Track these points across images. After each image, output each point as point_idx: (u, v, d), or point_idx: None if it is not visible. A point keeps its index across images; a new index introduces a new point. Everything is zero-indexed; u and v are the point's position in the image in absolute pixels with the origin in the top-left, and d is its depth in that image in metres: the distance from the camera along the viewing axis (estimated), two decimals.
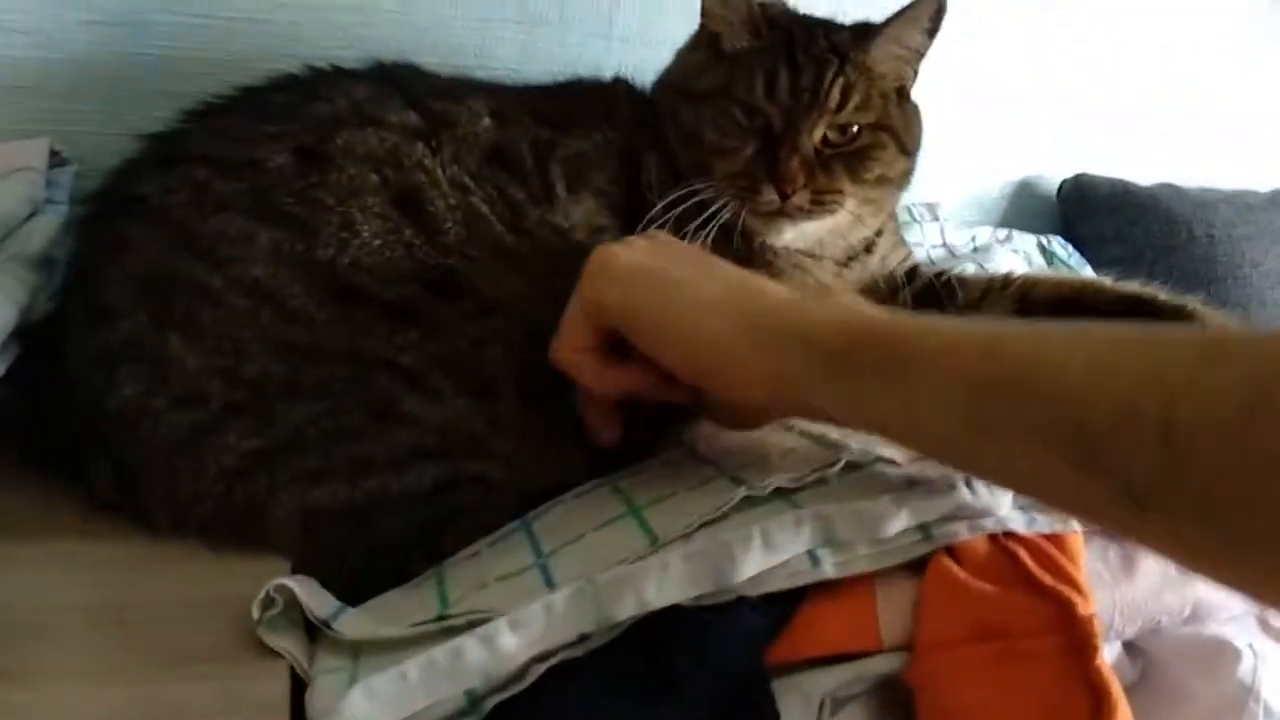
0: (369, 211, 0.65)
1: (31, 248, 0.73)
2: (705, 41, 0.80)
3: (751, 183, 0.74)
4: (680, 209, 0.72)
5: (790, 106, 0.74)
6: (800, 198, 0.73)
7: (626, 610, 0.48)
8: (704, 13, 0.80)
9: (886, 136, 0.77)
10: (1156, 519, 0.38)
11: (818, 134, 0.75)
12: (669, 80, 0.83)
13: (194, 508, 0.61)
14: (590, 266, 0.59)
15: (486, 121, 0.73)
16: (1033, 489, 0.47)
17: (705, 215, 0.72)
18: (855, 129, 0.76)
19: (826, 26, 0.79)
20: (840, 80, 0.74)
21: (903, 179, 0.82)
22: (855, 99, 0.75)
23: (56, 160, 0.86)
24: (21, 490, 0.64)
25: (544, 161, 0.73)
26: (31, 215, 0.78)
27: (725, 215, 0.73)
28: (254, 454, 0.60)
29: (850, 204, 0.77)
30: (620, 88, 0.84)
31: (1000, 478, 0.49)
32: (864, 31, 0.78)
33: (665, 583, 0.49)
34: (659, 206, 0.72)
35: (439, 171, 0.68)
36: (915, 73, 0.81)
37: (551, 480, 0.66)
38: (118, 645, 0.53)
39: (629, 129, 0.79)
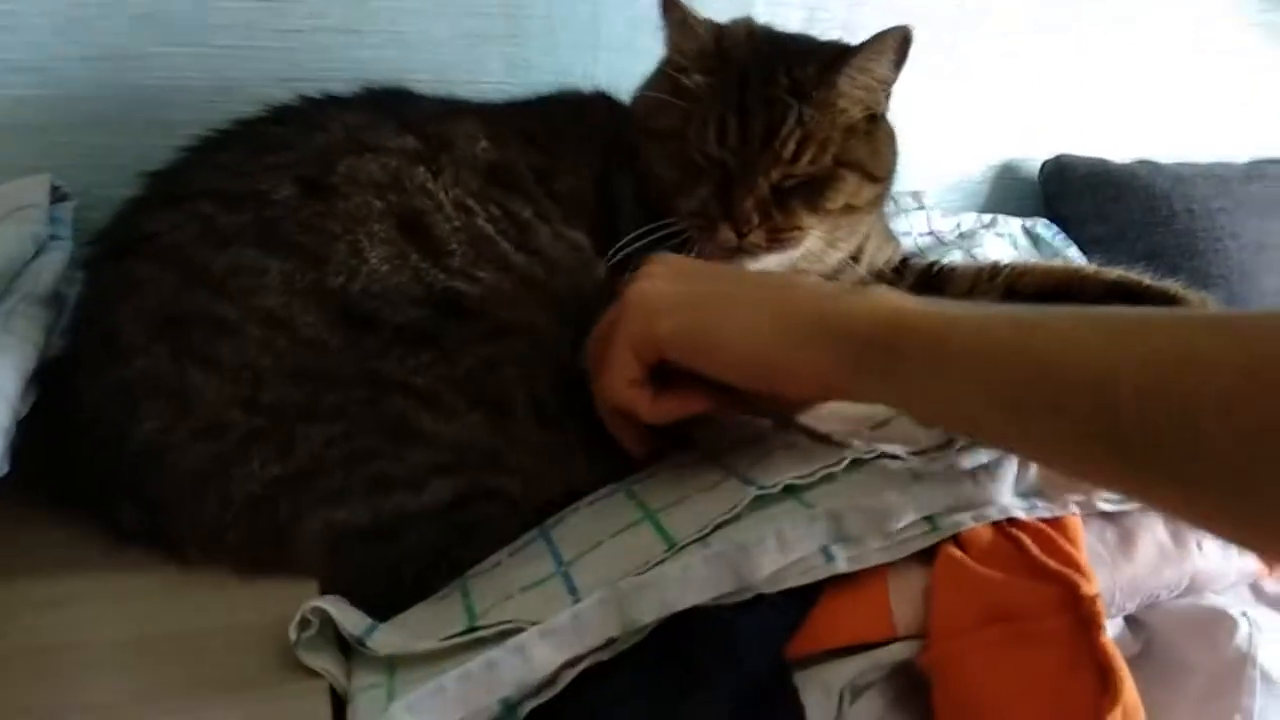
0: (375, 237, 0.66)
1: (41, 286, 0.74)
2: (668, 76, 0.79)
3: (709, 222, 0.75)
4: (649, 239, 0.74)
5: (742, 151, 0.74)
6: (756, 236, 0.74)
7: (651, 613, 0.50)
8: (666, 42, 0.80)
9: (848, 170, 0.77)
10: (1180, 492, 0.42)
11: (774, 175, 0.75)
12: (633, 111, 0.83)
13: (221, 536, 0.62)
14: (629, 306, 0.60)
15: (484, 143, 0.75)
16: (1066, 466, 0.50)
17: (671, 247, 0.73)
18: (813, 171, 0.76)
19: (790, 56, 0.78)
20: (798, 129, 0.74)
21: (873, 204, 0.82)
22: (812, 147, 0.75)
23: (57, 195, 0.88)
24: (51, 528, 0.65)
25: (545, 186, 0.75)
26: (37, 253, 0.79)
27: (693, 249, 0.75)
28: (276, 480, 0.62)
29: (813, 236, 0.77)
30: (600, 103, 0.86)
31: (1036, 455, 0.53)
32: (830, 63, 0.76)
33: (686, 585, 0.51)
34: (629, 237, 0.74)
35: (441, 195, 0.70)
36: (887, 97, 0.80)
37: (567, 490, 0.68)
38: (160, 674, 0.55)
39: (605, 152, 0.80)
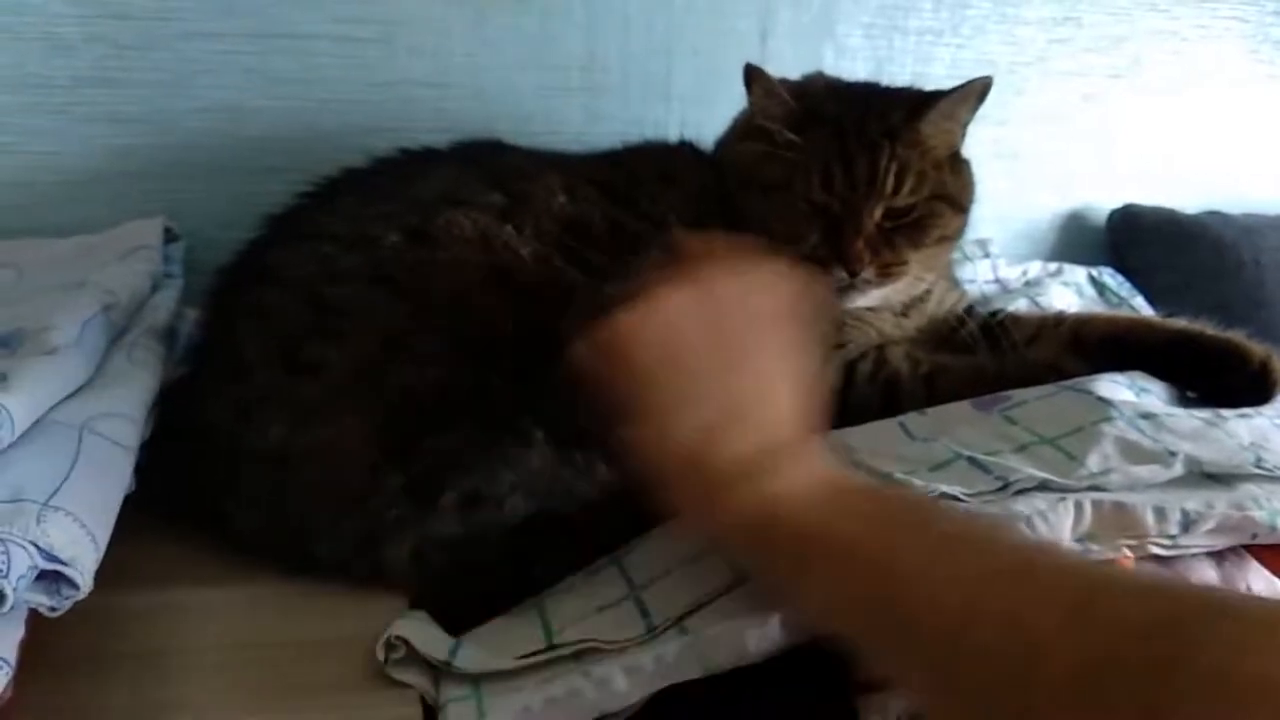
0: (474, 285, 0.71)
1: (158, 321, 0.81)
2: (757, 130, 0.85)
3: (822, 265, 0.80)
4: None
5: (849, 196, 0.80)
6: (868, 273, 0.80)
7: (730, 662, 0.54)
8: (752, 108, 0.86)
9: (942, 204, 0.83)
10: None
11: (878, 214, 0.80)
12: (734, 166, 0.87)
13: (325, 543, 0.67)
14: (633, 315, 0.57)
15: (561, 198, 0.80)
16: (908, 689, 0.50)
17: None
18: (913, 203, 0.81)
19: (877, 104, 0.83)
20: (894, 165, 0.80)
21: (959, 234, 0.88)
22: (910, 180, 0.80)
23: (170, 236, 0.95)
24: (166, 541, 0.70)
25: (619, 238, 0.79)
26: (153, 290, 0.86)
27: None
28: (391, 491, 0.67)
29: (915, 268, 0.83)
30: (684, 153, 0.91)
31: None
32: (916, 108, 0.82)
33: (764, 639, 0.54)
34: None
35: (523, 250, 0.75)
36: (963, 135, 0.87)
37: (634, 523, 0.71)
38: (260, 679, 0.60)
39: (693, 201, 0.85)
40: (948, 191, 0.84)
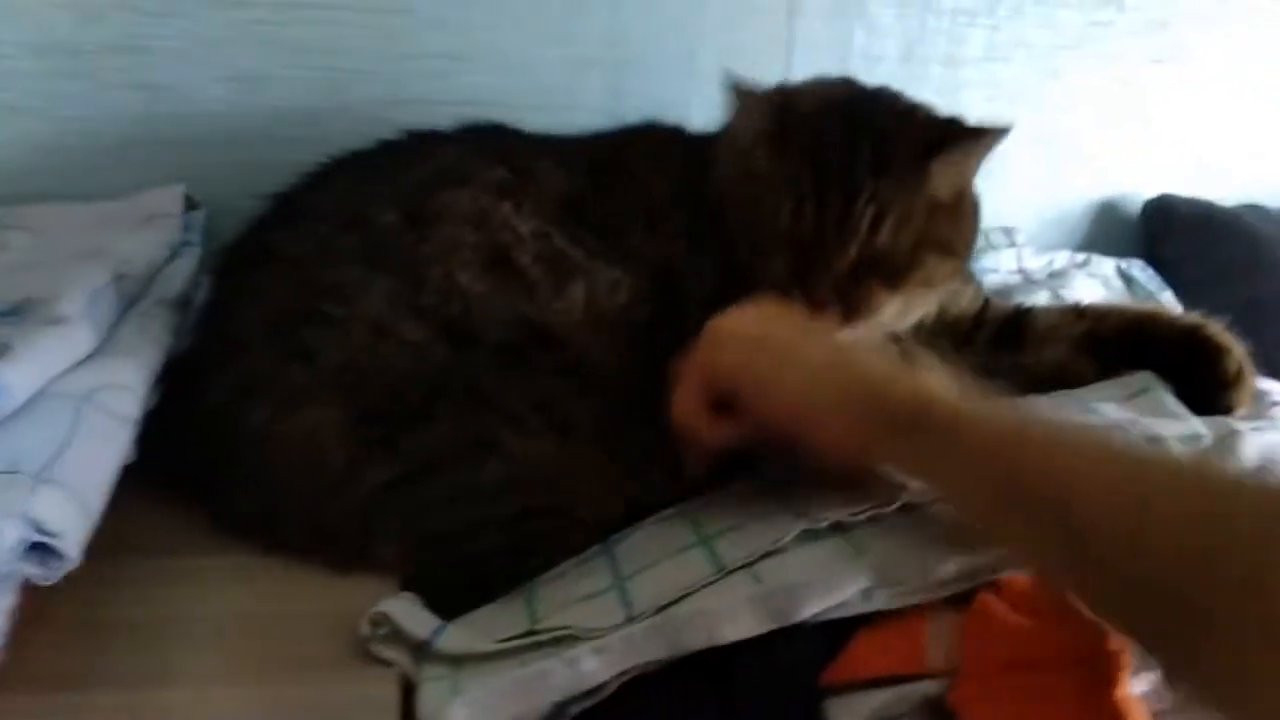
0: (467, 265, 0.71)
1: (172, 290, 0.82)
2: (734, 148, 0.78)
3: (787, 294, 0.73)
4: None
5: (818, 234, 0.72)
6: (831, 315, 0.72)
7: (698, 643, 0.55)
8: (730, 124, 0.78)
9: (926, 251, 0.74)
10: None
11: (850, 255, 0.72)
12: (722, 176, 0.79)
13: (313, 528, 0.69)
14: (706, 334, 0.67)
15: (559, 174, 0.78)
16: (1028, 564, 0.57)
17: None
18: (891, 249, 0.73)
19: (877, 134, 0.74)
20: (872, 208, 0.71)
21: (951, 276, 0.79)
22: (890, 223, 0.72)
23: (190, 204, 0.96)
24: (165, 511, 0.71)
25: (605, 219, 0.77)
26: (170, 258, 0.87)
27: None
28: (377, 485, 0.68)
29: (889, 310, 0.75)
30: (672, 139, 0.86)
31: (1010, 551, 0.57)
32: (926, 149, 0.73)
33: (735, 621, 0.55)
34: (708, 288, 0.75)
35: (522, 228, 0.74)
36: (973, 176, 0.78)
37: (629, 512, 0.72)
38: (246, 650, 0.61)
39: (674, 190, 0.80)
40: (938, 236, 0.74)
